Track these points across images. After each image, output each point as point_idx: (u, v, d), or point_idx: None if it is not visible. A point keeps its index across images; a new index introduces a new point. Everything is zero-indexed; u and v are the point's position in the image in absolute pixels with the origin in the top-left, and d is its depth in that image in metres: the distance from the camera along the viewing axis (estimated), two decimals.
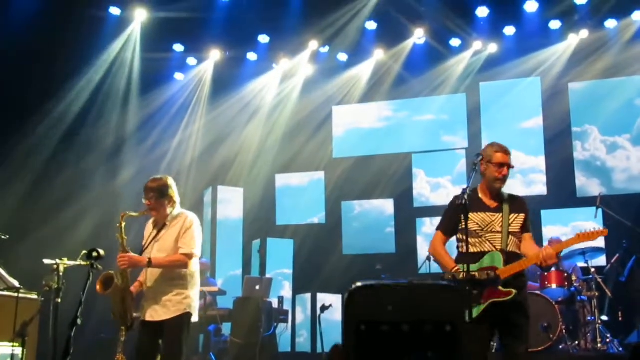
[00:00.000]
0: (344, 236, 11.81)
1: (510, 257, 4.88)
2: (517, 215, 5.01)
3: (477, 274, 4.74)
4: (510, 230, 4.95)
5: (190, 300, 5.43)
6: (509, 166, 5.03)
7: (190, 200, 11.37)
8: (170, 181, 5.59)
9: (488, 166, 5.04)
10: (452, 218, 5.11)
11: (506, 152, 5.05)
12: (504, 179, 5.01)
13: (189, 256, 5.42)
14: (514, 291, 4.75)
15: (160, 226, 5.55)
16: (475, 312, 4.78)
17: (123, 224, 5.44)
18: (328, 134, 12.21)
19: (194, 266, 5.53)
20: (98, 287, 5.24)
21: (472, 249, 4.94)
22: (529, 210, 5.13)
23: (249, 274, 10.99)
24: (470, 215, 4.98)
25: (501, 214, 4.97)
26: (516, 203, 5.08)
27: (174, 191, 5.57)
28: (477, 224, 4.97)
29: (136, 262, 5.35)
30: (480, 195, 5.09)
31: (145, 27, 10.89)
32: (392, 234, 11.59)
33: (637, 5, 10.33)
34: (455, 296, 2.82)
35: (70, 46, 10.15)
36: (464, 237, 4.94)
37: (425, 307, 2.83)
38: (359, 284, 3.00)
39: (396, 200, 11.70)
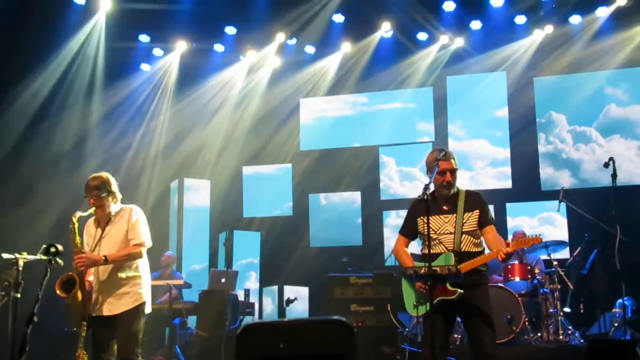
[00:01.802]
0: (311, 228, 11.81)
1: (463, 257, 4.95)
2: (471, 213, 5.06)
3: (438, 268, 4.80)
4: (464, 230, 5.00)
5: (144, 289, 5.53)
6: (452, 170, 5.06)
7: (156, 193, 11.29)
8: (111, 177, 5.60)
9: (433, 174, 5.08)
10: (410, 222, 5.26)
11: (446, 158, 5.06)
12: (448, 185, 5.06)
13: (141, 246, 5.51)
14: (459, 290, 4.82)
15: (104, 223, 5.55)
16: (424, 309, 4.92)
17: (77, 225, 5.41)
18: (295, 126, 12.18)
19: (144, 255, 5.62)
20: (58, 290, 5.20)
21: (428, 251, 5.01)
22: (486, 202, 5.16)
23: (215, 267, 10.93)
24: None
25: (454, 215, 5.03)
26: (470, 200, 5.12)
27: (115, 187, 5.59)
28: (431, 227, 5.01)
29: (95, 261, 5.36)
30: (435, 198, 5.14)
31: (110, 17, 10.70)
32: (359, 227, 11.61)
33: (600, 2, 10.46)
34: (343, 329, 2.86)
35: (33, 36, 9.96)
36: (425, 240, 5.05)
37: (315, 342, 2.85)
38: (249, 321, 3.03)
39: (363, 192, 11.73)
